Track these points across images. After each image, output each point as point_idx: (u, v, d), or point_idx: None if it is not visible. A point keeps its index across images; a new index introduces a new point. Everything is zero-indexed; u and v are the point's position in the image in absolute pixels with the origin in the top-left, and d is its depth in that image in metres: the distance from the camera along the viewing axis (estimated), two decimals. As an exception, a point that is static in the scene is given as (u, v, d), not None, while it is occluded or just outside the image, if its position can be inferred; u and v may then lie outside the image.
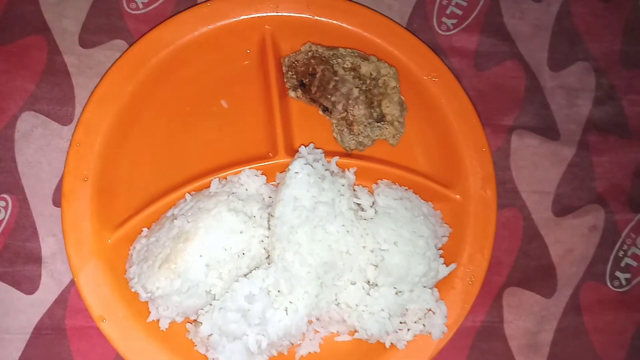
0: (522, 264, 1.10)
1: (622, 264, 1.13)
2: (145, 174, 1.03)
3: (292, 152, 1.00)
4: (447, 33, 1.18)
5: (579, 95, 1.18)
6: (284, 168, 0.99)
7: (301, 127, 1.07)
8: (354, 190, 1.02)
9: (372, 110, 1.04)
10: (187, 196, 0.98)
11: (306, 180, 0.92)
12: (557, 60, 1.19)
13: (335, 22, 1.06)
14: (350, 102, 1.02)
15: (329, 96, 1.02)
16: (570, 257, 1.12)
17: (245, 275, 0.92)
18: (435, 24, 1.18)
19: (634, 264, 1.13)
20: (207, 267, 0.88)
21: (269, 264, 0.93)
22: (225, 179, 1.00)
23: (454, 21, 1.18)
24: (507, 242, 1.11)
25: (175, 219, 0.92)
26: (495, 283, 1.09)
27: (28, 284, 1.01)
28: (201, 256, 0.88)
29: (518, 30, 1.19)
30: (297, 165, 0.93)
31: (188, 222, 0.90)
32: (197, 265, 0.88)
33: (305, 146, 1.00)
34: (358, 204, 0.99)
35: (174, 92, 1.06)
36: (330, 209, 0.93)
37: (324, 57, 1.04)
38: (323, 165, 0.98)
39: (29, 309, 1.00)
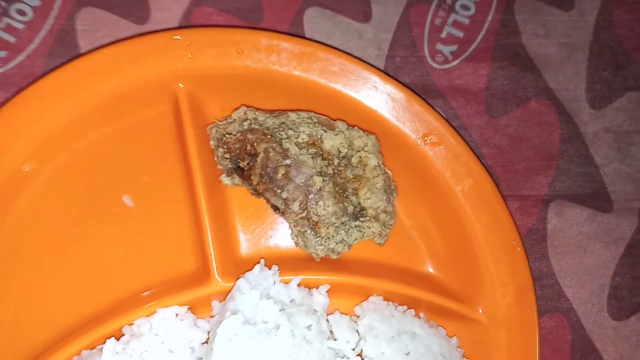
0: None
1: None
2: (7, 326, 0.71)
3: (234, 269, 0.72)
4: (445, 66, 0.88)
5: (633, 141, 0.91)
6: (223, 295, 0.70)
7: (245, 225, 0.79)
8: (328, 322, 0.70)
9: (346, 204, 0.70)
10: None
11: (245, 344, 0.60)
12: (599, 92, 0.92)
13: (281, 69, 0.74)
14: (310, 196, 0.68)
15: (279, 190, 0.68)
16: None
17: None
18: (426, 53, 0.88)
19: None
20: None
21: None
22: (130, 326, 0.68)
23: (453, 48, 0.88)
24: None
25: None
26: None
27: None
28: None
29: (543, 54, 0.91)
30: (229, 326, 0.60)
31: None
32: None
33: (253, 265, 0.69)
34: (335, 350, 0.67)
35: (47, 190, 0.75)
36: None
37: (267, 128, 0.70)
38: (276, 301, 0.65)
39: None
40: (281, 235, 0.77)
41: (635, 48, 0.91)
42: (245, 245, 0.77)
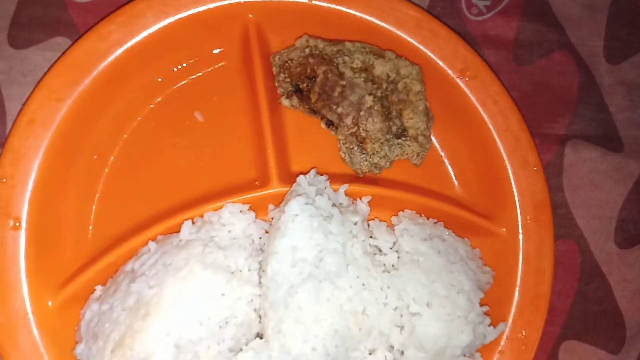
0: (580, 310, 0.94)
1: None
2: (96, 214, 0.84)
3: (288, 178, 0.82)
4: (479, 18, 0.98)
5: None
6: (278, 199, 0.81)
7: (299, 144, 0.89)
8: (369, 226, 0.82)
9: (391, 123, 0.81)
10: (151, 244, 0.77)
11: (308, 225, 0.71)
12: (616, 49, 1.01)
13: (340, 7, 0.85)
14: (362, 113, 0.79)
15: (334, 106, 0.79)
16: None
17: (230, 349, 0.71)
18: (464, 5, 0.99)
19: None
20: (176, 348, 0.68)
21: (260, 337, 0.70)
22: (202, 217, 0.79)
23: (487, 2, 0.99)
24: (561, 283, 0.94)
25: (134, 280, 0.70)
26: (548, 335, 0.93)
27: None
28: (168, 335, 0.68)
29: (567, 13, 1.00)
30: (295, 205, 0.71)
31: (150, 287, 0.69)
32: (162, 348, 0.67)
33: (305, 175, 0.78)
34: (375, 246, 0.79)
35: (131, 105, 0.87)
36: (340, 258, 0.73)
37: (326, 54, 0.81)
38: (329, 199, 0.76)
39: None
40: (328, 156, 0.87)
41: None
42: (297, 161, 0.87)
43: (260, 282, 0.74)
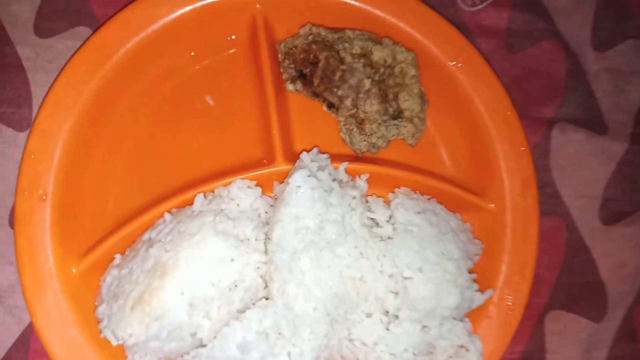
0: (565, 282, 0.99)
1: (685, 280, 0.99)
2: (116, 189, 0.90)
3: (292, 157, 0.88)
4: (473, 8, 1.04)
5: (629, 80, 1.05)
6: (282, 177, 0.86)
7: (302, 126, 0.95)
8: (367, 202, 0.88)
9: (387, 105, 0.87)
10: (167, 216, 0.83)
11: (310, 196, 0.77)
12: (602, 38, 1.05)
13: None
14: (360, 96, 0.84)
15: (335, 89, 0.85)
16: (622, 272, 0.99)
17: (238, 310, 0.77)
18: None
19: (699, 279, 0.98)
20: (190, 306, 0.74)
21: (267, 298, 0.77)
22: (212, 192, 0.86)
23: None
24: (548, 257, 0.98)
25: (152, 246, 0.76)
26: (535, 306, 0.97)
27: (-18, 323, 0.87)
28: (183, 294, 0.73)
29: (556, 4, 1.05)
30: (298, 177, 0.77)
31: (166, 251, 0.75)
32: (177, 306, 0.73)
33: (308, 151, 0.85)
34: (372, 219, 0.85)
35: (148, 89, 0.93)
36: (339, 227, 0.79)
37: (328, 41, 0.87)
38: (329, 174, 0.82)
39: (-17, 353, 0.88)
40: (329, 137, 0.93)
41: (636, 4, 1.05)
42: (300, 141, 0.93)
43: (266, 250, 0.80)
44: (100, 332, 0.78)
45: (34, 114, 0.93)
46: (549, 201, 0.99)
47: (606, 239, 1.00)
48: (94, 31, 0.88)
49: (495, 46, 1.02)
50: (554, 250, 0.98)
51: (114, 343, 0.75)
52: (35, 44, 0.94)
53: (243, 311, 0.77)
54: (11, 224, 0.89)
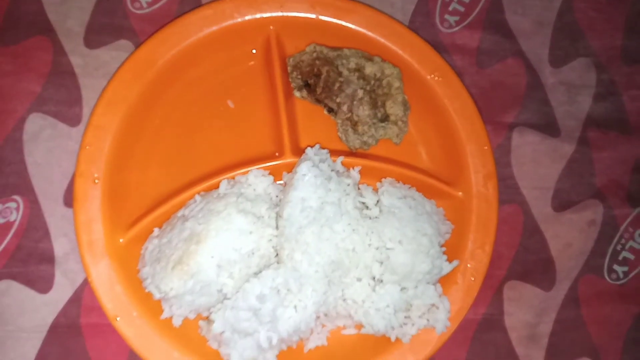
0: (522, 258, 1.12)
1: (620, 258, 1.15)
2: (154, 175, 1.03)
3: (298, 152, 1.00)
4: (450, 30, 1.18)
5: (580, 92, 1.18)
6: (290, 168, 1.00)
7: (306, 127, 1.08)
8: (359, 189, 1.04)
9: (377, 111, 1.05)
10: (197, 197, 0.99)
11: (313, 182, 0.94)
12: (558, 56, 1.18)
13: (339, 22, 1.05)
14: (354, 102, 1.03)
15: (334, 97, 1.03)
16: (569, 251, 1.13)
17: (255, 273, 0.94)
18: (437, 21, 1.18)
19: (632, 257, 1.15)
20: (218, 267, 0.91)
21: (278, 263, 0.95)
22: (234, 179, 1.02)
23: (457, 18, 1.19)
24: (508, 237, 1.12)
25: (187, 220, 0.94)
26: (496, 277, 1.11)
27: (42, 284, 1.01)
28: (212, 257, 0.90)
29: (520, 27, 1.18)
30: (304, 167, 0.94)
31: (199, 224, 0.92)
32: (208, 266, 0.89)
33: (312, 147, 1.01)
34: (363, 203, 1.01)
35: (181, 93, 1.06)
36: (336, 208, 0.94)
37: (329, 58, 1.05)
38: (329, 165, 0.99)
39: (43, 308, 1.02)
40: (329, 135, 1.06)
41: (587, 27, 1.19)
42: (305, 139, 1.07)
43: (277, 226, 0.97)
44: (141, 289, 0.97)
45: (83, 112, 1.06)
46: (510, 191, 1.12)
47: (556, 223, 1.12)
48: (138, 46, 1.01)
49: (467, 62, 1.15)
50: (512, 231, 1.11)
51: (157, 296, 0.93)
52: (85, 54, 1.06)
53: (258, 274, 0.96)
54: (65, 202, 1.03)
